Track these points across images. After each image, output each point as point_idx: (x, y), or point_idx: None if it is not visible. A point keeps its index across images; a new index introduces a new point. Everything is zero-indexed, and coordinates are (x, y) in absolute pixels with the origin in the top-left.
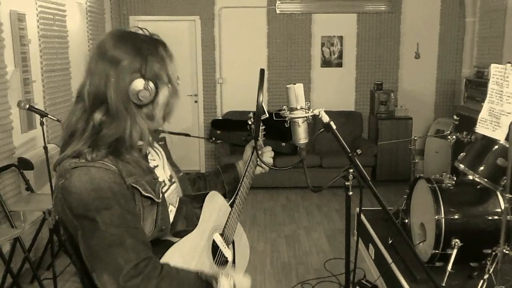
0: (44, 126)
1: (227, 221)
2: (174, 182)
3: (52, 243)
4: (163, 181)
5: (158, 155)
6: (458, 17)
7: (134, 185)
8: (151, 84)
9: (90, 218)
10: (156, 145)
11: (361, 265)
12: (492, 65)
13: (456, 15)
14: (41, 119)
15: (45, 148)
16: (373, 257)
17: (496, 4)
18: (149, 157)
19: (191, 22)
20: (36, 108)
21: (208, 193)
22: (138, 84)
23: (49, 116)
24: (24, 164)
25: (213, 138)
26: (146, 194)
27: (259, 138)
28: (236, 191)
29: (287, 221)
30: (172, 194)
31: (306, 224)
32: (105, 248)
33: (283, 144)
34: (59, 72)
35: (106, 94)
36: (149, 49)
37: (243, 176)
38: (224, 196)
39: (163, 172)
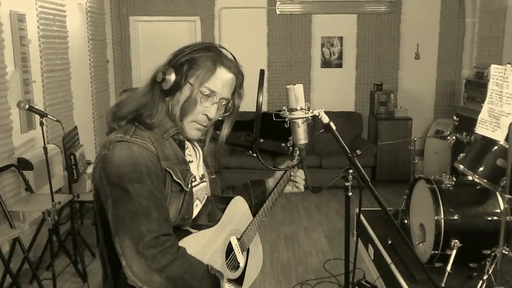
0: (44, 127)
1: (246, 228)
2: (204, 181)
3: (51, 243)
4: (194, 176)
5: (196, 153)
6: (458, 17)
7: (168, 169)
8: (172, 74)
9: (122, 187)
10: (196, 144)
11: (361, 265)
12: (492, 66)
13: (456, 16)
14: (41, 119)
15: (45, 148)
16: (372, 258)
17: (496, 4)
18: (186, 151)
19: (191, 23)
20: (36, 109)
21: (232, 196)
22: (164, 69)
23: (48, 116)
24: (23, 164)
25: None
26: (177, 180)
27: (294, 160)
28: (263, 203)
29: (287, 222)
30: (201, 191)
31: (305, 224)
32: (131, 215)
33: (283, 144)
34: (59, 72)
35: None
36: (203, 56)
37: (271, 191)
38: (250, 208)
39: (196, 169)
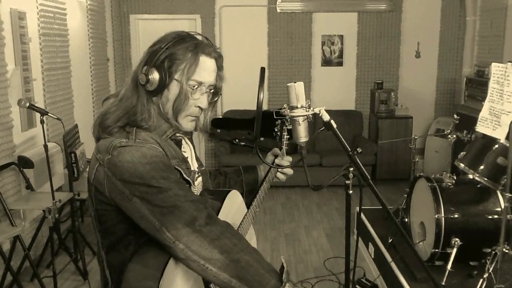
0: (44, 125)
1: (242, 221)
2: (199, 176)
3: (52, 241)
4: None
5: (189, 148)
6: (459, 16)
7: (177, 168)
8: (154, 73)
9: (149, 185)
10: (186, 139)
11: (361, 264)
12: (493, 64)
13: (456, 14)
14: (42, 117)
15: (45, 146)
16: (373, 256)
17: (497, 3)
18: (182, 148)
19: (192, 21)
20: (37, 107)
21: (228, 190)
22: (144, 69)
23: (49, 114)
24: (24, 163)
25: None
26: (186, 178)
27: (282, 147)
28: (255, 194)
29: (287, 220)
30: (199, 186)
31: (306, 222)
32: (175, 203)
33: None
34: (60, 70)
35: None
36: (182, 48)
37: (263, 181)
38: (242, 196)
39: (191, 165)
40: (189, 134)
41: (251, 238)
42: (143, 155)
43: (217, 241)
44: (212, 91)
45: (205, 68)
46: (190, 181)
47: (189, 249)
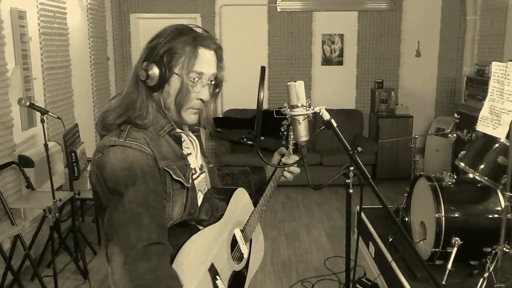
0: (45, 124)
1: (248, 219)
2: (203, 172)
3: (52, 241)
4: (194, 168)
5: (192, 144)
6: (459, 15)
7: (166, 169)
8: (154, 68)
9: (119, 193)
10: (191, 135)
11: (361, 263)
12: (493, 63)
13: (457, 13)
14: (42, 116)
15: (46, 145)
16: (373, 255)
17: (497, 2)
18: (184, 144)
19: (192, 20)
20: (37, 106)
21: (234, 188)
22: (144, 65)
23: (49, 113)
24: (24, 162)
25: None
26: (176, 178)
27: (289, 146)
28: (262, 192)
29: (288, 219)
30: (201, 182)
31: (306, 222)
32: (122, 223)
33: (283, 142)
34: (60, 69)
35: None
36: (180, 42)
37: (270, 180)
38: (250, 195)
39: (195, 161)
40: (197, 131)
41: (258, 236)
42: (125, 158)
43: (139, 278)
44: (213, 82)
45: (205, 60)
46: (182, 180)
47: (112, 276)
